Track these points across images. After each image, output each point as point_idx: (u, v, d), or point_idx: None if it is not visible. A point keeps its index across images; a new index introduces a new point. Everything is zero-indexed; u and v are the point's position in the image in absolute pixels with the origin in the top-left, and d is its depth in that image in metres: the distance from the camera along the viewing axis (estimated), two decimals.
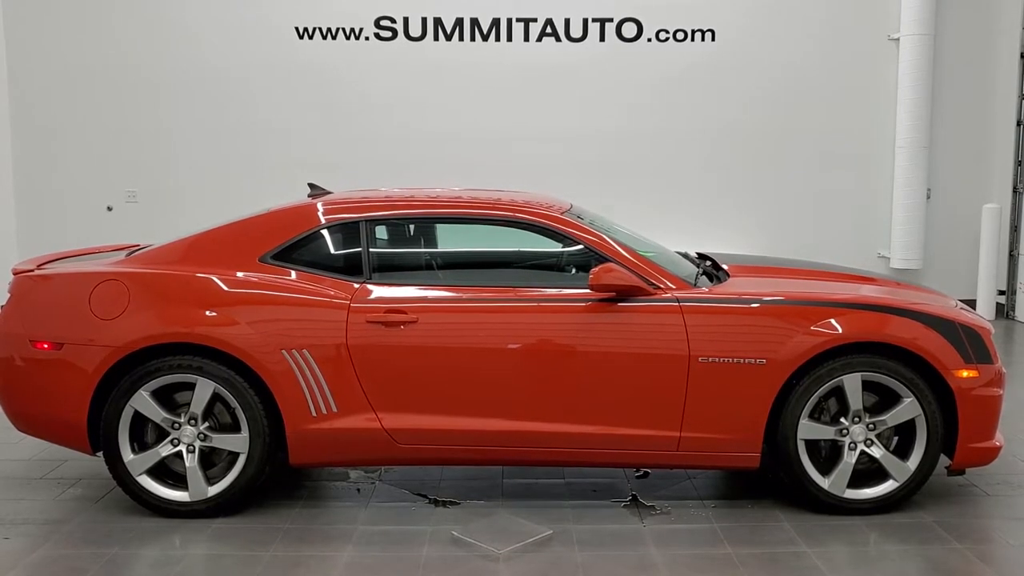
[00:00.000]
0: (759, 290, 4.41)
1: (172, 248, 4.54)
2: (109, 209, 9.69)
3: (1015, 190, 9.73)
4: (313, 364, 4.19)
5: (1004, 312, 9.78)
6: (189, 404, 4.24)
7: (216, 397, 4.23)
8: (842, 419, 4.26)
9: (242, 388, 4.19)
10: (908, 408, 4.22)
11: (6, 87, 9.59)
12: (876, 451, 4.26)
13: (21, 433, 4.55)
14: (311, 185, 5.24)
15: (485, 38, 9.56)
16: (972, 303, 9.19)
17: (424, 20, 9.53)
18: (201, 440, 4.26)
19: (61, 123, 9.65)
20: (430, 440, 4.26)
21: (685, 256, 5.12)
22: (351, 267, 4.41)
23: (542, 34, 9.57)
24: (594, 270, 4.19)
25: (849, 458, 4.25)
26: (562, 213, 4.54)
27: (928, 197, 9.57)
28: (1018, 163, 9.71)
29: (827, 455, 4.32)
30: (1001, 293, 9.80)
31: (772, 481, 4.61)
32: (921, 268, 9.53)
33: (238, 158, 9.65)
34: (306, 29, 9.52)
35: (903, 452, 4.29)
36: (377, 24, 9.53)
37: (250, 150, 9.64)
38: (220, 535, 4.10)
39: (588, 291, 4.23)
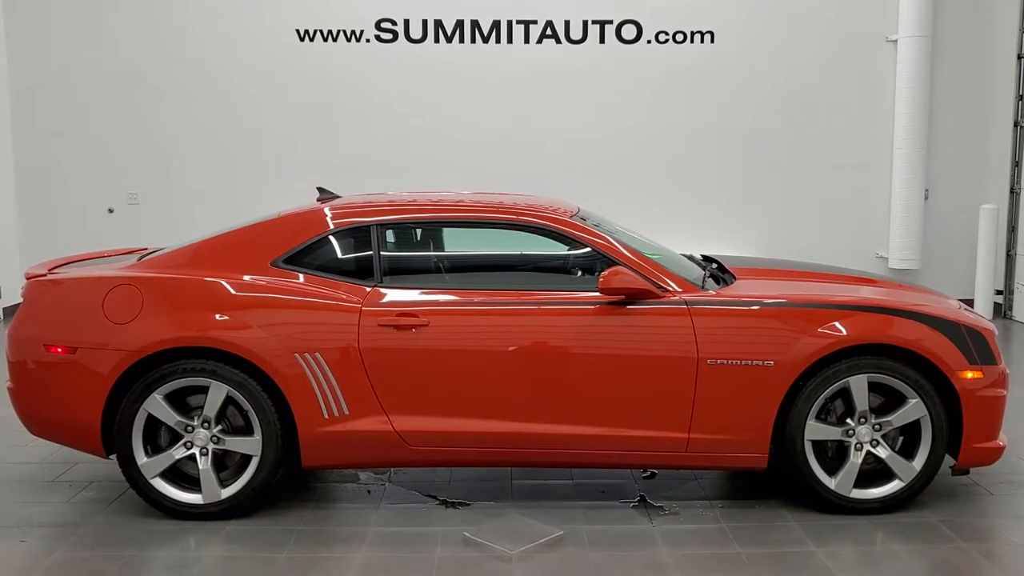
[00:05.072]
0: (766, 293, 4.46)
1: (184, 252, 4.57)
2: (110, 211, 9.72)
3: (1012, 191, 9.81)
4: (325, 367, 4.23)
5: (1002, 312, 9.86)
6: (202, 407, 4.27)
7: (229, 400, 4.26)
8: (848, 420, 4.32)
9: (255, 391, 4.23)
10: (913, 409, 4.27)
11: (7, 90, 9.60)
12: (882, 451, 4.32)
13: (31, 436, 4.59)
14: (320, 189, 5.27)
15: (486, 40, 9.60)
16: (970, 303, 9.26)
17: (425, 22, 9.57)
18: (214, 443, 4.29)
19: (62, 126, 9.67)
20: (441, 442, 4.30)
21: (691, 259, 5.17)
22: (362, 271, 4.44)
23: (542, 36, 9.62)
24: (603, 273, 4.24)
25: (855, 458, 4.30)
26: (570, 217, 4.58)
27: (926, 198, 9.65)
28: (1015, 164, 9.78)
29: (833, 455, 4.37)
30: (999, 293, 9.88)
31: (778, 481, 4.66)
32: (919, 268, 9.61)
33: (238, 160, 9.69)
34: (307, 31, 9.56)
35: (908, 452, 4.35)
36: (378, 26, 9.57)
37: (251, 152, 9.68)
38: (234, 537, 4.14)
39: (597, 294, 4.28)
